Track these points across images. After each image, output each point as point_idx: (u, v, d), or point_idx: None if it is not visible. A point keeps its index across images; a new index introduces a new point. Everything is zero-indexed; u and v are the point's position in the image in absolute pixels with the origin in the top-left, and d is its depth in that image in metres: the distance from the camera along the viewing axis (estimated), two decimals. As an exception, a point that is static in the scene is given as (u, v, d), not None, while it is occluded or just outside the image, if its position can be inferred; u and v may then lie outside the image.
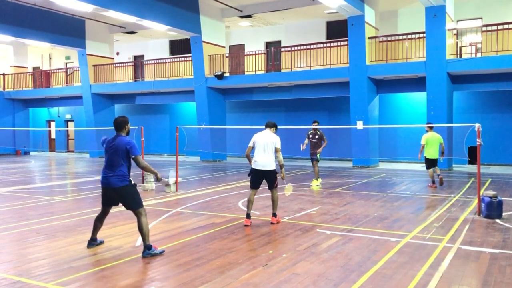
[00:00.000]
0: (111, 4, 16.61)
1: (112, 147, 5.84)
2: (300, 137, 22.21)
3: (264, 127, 7.94)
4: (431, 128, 12.00)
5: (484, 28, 16.80)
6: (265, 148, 7.62)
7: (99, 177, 6.09)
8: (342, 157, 19.84)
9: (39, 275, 5.07)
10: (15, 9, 21.16)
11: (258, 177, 7.71)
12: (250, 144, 7.80)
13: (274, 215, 7.76)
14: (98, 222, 6.23)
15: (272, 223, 7.63)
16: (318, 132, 12.75)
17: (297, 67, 20.68)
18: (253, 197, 7.76)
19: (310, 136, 12.82)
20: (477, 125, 8.19)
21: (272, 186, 7.73)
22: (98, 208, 9.07)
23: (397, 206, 9.40)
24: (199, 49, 20.98)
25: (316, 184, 12.66)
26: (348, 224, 7.68)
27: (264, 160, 7.60)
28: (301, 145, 12.87)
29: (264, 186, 7.90)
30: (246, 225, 7.61)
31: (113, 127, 6.04)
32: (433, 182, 12.11)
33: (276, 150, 7.69)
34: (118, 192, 5.85)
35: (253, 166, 7.69)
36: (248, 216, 7.68)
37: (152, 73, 24.31)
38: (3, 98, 28.40)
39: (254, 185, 7.75)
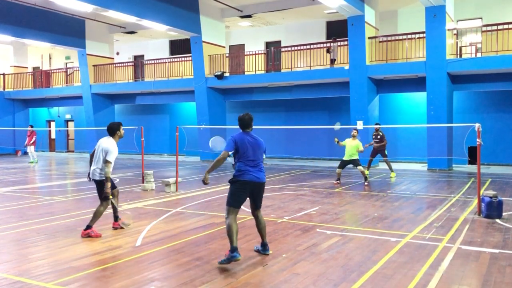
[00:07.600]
0: (111, 4, 16.60)
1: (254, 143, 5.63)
2: (299, 137, 22.39)
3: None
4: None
5: (484, 28, 16.80)
6: (95, 155, 6.84)
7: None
8: (342, 157, 19.77)
9: (39, 275, 5.07)
10: (15, 9, 21.15)
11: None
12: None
13: (89, 227, 6.75)
14: None
15: (82, 237, 6.70)
16: (380, 133, 14.85)
17: (297, 67, 20.67)
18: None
19: (373, 137, 15.06)
20: (477, 125, 8.18)
21: (99, 196, 6.87)
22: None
23: (397, 206, 9.40)
24: (199, 49, 20.98)
25: (393, 176, 14.85)
26: (348, 224, 7.68)
27: (91, 169, 6.86)
28: (365, 144, 14.46)
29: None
30: (114, 228, 7.21)
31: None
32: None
33: (104, 161, 6.69)
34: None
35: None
36: (116, 219, 7.26)
37: (152, 73, 24.31)
38: (3, 98, 28.40)
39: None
